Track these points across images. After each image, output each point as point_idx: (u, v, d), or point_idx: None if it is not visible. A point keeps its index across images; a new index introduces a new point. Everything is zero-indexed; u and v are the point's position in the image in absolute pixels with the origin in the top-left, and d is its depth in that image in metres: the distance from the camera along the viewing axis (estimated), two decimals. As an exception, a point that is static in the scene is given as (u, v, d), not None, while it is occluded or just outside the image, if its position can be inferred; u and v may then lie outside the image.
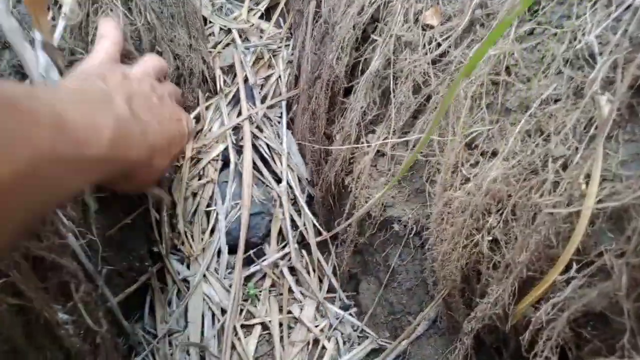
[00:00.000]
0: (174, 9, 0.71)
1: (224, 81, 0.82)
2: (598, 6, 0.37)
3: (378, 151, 0.60)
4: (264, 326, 0.70)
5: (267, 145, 0.78)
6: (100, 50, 0.51)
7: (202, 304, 0.68)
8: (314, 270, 0.74)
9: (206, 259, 0.70)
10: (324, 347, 0.68)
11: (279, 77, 0.84)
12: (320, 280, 0.74)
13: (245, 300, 0.71)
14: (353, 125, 0.61)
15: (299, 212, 0.76)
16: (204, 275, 0.70)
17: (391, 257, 0.62)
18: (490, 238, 0.43)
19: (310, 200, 0.77)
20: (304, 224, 0.75)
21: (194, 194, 0.74)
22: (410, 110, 0.55)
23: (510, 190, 0.40)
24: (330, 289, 0.74)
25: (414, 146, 0.55)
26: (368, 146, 0.60)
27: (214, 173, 0.75)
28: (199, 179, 0.75)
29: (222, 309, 0.68)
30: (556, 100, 0.39)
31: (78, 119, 0.34)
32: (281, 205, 0.75)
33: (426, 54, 0.52)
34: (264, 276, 0.74)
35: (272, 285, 0.74)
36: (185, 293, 0.69)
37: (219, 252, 0.72)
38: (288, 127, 0.81)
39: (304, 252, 0.75)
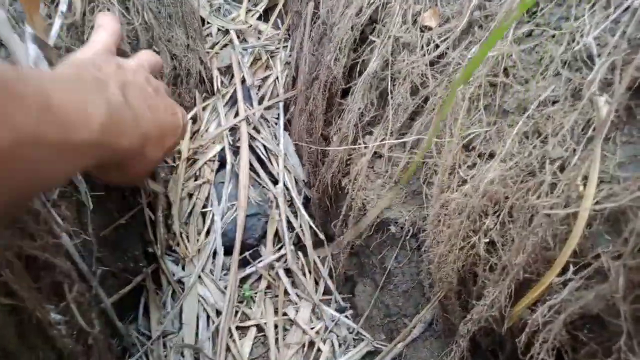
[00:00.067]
0: (171, 9, 0.71)
1: (221, 82, 0.82)
2: (597, 8, 0.37)
3: (375, 153, 0.59)
4: (259, 328, 0.70)
5: (264, 146, 0.78)
6: (96, 40, 0.50)
7: (197, 305, 0.68)
8: (309, 272, 0.74)
9: (201, 260, 0.70)
10: (319, 350, 0.68)
11: (277, 78, 0.84)
12: (316, 282, 0.74)
13: (241, 302, 0.71)
14: (350, 126, 0.60)
15: (295, 213, 0.76)
16: (199, 277, 0.69)
17: (387, 259, 0.62)
18: (487, 240, 0.42)
19: (306, 202, 0.77)
20: (301, 226, 0.75)
21: (190, 195, 0.74)
22: (407, 112, 0.55)
23: (508, 192, 0.40)
24: (326, 291, 0.73)
25: (411, 148, 0.55)
26: (365, 147, 0.59)
27: (210, 174, 0.75)
28: (195, 180, 0.75)
29: (217, 310, 0.68)
30: (554, 102, 0.39)
31: (67, 102, 0.33)
32: (277, 206, 0.75)
33: (424, 55, 0.52)
34: (260, 278, 0.73)
35: (268, 287, 0.73)
36: (180, 294, 0.68)
37: (215, 253, 0.71)
38: (285, 129, 0.81)
39: (300, 253, 0.75)
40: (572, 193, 0.33)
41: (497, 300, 0.39)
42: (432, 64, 0.52)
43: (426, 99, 0.53)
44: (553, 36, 0.40)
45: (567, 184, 0.34)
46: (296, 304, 0.72)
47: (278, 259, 0.74)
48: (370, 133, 0.61)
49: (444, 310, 0.53)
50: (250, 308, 0.71)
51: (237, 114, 0.79)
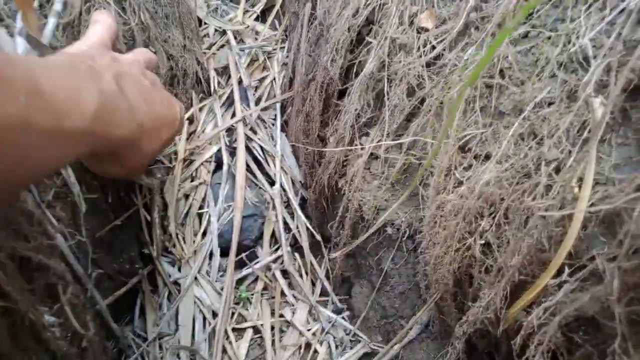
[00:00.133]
0: (168, 9, 0.71)
1: (218, 82, 0.82)
2: (592, 9, 0.37)
3: (372, 154, 0.59)
4: (256, 330, 0.69)
5: (261, 147, 0.78)
6: (91, 33, 0.50)
7: (193, 307, 0.68)
8: (306, 274, 0.73)
9: (198, 261, 0.70)
10: (316, 351, 0.68)
11: (274, 79, 0.84)
12: (313, 284, 0.74)
13: (237, 304, 0.71)
14: (347, 127, 0.60)
15: (292, 214, 0.76)
16: (196, 278, 0.69)
17: (384, 260, 0.62)
18: (483, 241, 0.42)
19: (303, 203, 0.77)
20: (297, 227, 0.75)
21: (186, 196, 0.73)
22: (404, 113, 0.55)
23: (503, 194, 0.40)
24: (323, 293, 0.73)
25: (407, 149, 0.55)
26: (362, 149, 0.59)
27: (206, 175, 0.75)
28: (192, 181, 0.74)
29: (213, 312, 0.68)
30: (550, 104, 0.39)
31: (58, 88, 0.33)
32: (274, 207, 0.75)
33: (421, 56, 0.52)
34: (256, 279, 0.73)
35: (264, 288, 0.73)
36: (176, 296, 0.68)
37: (211, 254, 0.71)
38: (282, 129, 0.81)
39: (296, 255, 0.75)
40: (567, 195, 0.33)
41: (493, 302, 0.39)
42: (428, 65, 0.52)
43: (422, 100, 0.53)
44: (549, 38, 0.40)
45: (563, 185, 0.34)
46: (293, 305, 0.71)
47: (275, 260, 0.73)
48: (367, 134, 0.61)
49: (440, 312, 0.53)
50: (247, 309, 0.71)
51: (234, 115, 0.79)
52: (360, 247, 0.65)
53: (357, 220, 0.62)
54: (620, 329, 0.29)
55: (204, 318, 0.68)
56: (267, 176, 0.78)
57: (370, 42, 0.58)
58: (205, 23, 0.88)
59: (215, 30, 0.87)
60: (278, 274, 0.73)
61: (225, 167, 0.75)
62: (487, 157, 0.44)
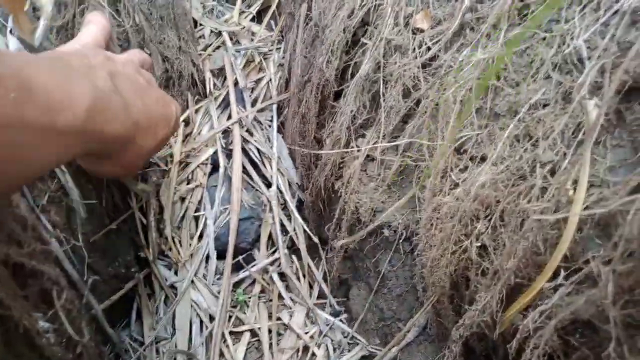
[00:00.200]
0: (163, 10, 0.71)
1: (214, 84, 0.82)
2: (587, 10, 0.37)
3: (368, 156, 0.59)
4: (253, 333, 0.69)
5: (257, 149, 0.77)
6: (85, 34, 0.49)
7: (190, 310, 0.67)
8: (304, 276, 0.73)
9: (194, 264, 0.69)
10: (314, 354, 0.67)
11: (270, 80, 0.83)
12: (311, 286, 0.74)
13: (234, 307, 0.70)
14: (343, 129, 0.60)
15: (289, 217, 0.75)
16: (192, 282, 0.69)
17: (381, 262, 0.61)
18: (479, 244, 0.42)
19: (300, 205, 0.77)
20: (294, 229, 0.74)
21: (182, 199, 0.73)
22: (400, 115, 0.55)
23: (499, 196, 0.40)
24: (321, 295, 0.73)
25: (404, 151, 0.55)
26: (358, 151, 0.59)
27: (202, 177, 0.75)
28: (188, 183, 0.74)
29: (210, 315, 0.67)
30: (545, 105, 0.39)
31: (50, 85, 0.32)
32: (271, 210, 0.75)
33: (416, 57, 0.52)
34: (254, 282, 0.73)
35: (262, 291, 0.73)
36: (173, 299, 0.68)
37: (208, 257, 0.71)
38: (279, 131, 0.80)
39: (294, 257, 0.75)
40: (562, 197, 0.33)
41: (489, 305, 0.39)
42: (424, 66, 0.52)
43: (418, 102, 0.53)
44: (544, 39, 0.40)
45: (558, 188, 0.33)
46: (290, 308, 0.71)
47: (272, 263, 0.73)
48: (363, 136, 0.60)
49: (437, 315, 0.53)
50: (244, 313, 0.70)
51: (229, 117, 0.78)
52: (357, 249, 0.65)
53: (354, 222, 0.62)
54: (616, 332, 0.29)
55: (201, 322, 0.67)
56: (264, 178, 0.77)
57: (366, 44, 0.58)
58: (200, 24, 0.88)
59: (211, 31, 0.87)
60: (275, 277, 0.72)
61: (221, 170, 0.75)
62: (483, 158, 0.44)
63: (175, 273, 0.70)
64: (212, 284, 0.69)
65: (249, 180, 0.76)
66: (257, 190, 0.76)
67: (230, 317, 0.69)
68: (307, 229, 0.74)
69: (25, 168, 0.33)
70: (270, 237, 0.74)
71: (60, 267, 0.50)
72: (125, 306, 0.67)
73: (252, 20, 0.92)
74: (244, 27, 0.88)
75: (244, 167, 0.76)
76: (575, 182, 0.33)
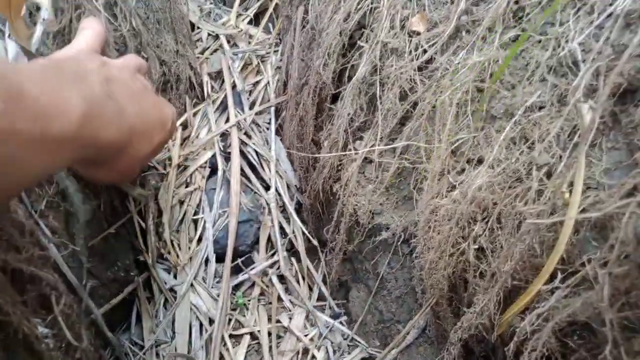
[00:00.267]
0: (160, 14, 0.71)
1: (212, 87, 0.82)
2: (581, 13, 0.37)
3: (366, 158, 0.59)
4: (253, 336, 0.69)
5: (256, 151, 0.77)
6: (80, 40, 0.49)
7: (190, 314, 0.68)
8: (303, 279, 0.73)
9: (193, 268, 0.69)
10: (313, 357, 0.67)
11: (268, 83, 0.83)
12: (310, 289, 0.74)
13: (234, 310, 0.70)
14: (340, 132, 0.60)
15: (287, 219, 0.76)
16: (192, 285, 0.69)
17: (380, 264, 0.62)
18: (476, 246, 0.42)
19: (299, 208, 0.77)
20: (293, 232, 0.74)
21: (181, 202, 0.73)
22: (397, 117, 0.55)
23: (496, 198, 0.40)
24: (320, 297, 0.73)
25: (401, 153, 0.55)
26: (355, 153, 0.59)
27: (201, 180, 0.75)
28: (186, 187, 0.74)
29: (210, 318, 0.67)
30: (540, 108, 0.39)
31: (42, 93, 0.32)
32: (270, 212, 0.75)
33: (412, 60, 0.52)
34: (253, 285, 0.73)
35: (261, 294, 0.73)
36: (173, 303, 0.68)
37: (207, 260, 0.71)
38: (277, 133, 0.80)
39: (293, 260, 0.75)
40: (558, 200, 0.33)
41: (487, 307, 0.39)
42: (420, 69, 0.52)
43: (415, 104, 0.53)
44: (539, 41, 0.40)
45: (553, 191, 0.33)
46: (290, 310, 0.71)
47: (271, 266, 0.73)
48: (361, 138, 0.60)
49: (436, 317, 0.53)
50: (244, 316, 0.70)
51: (227, 120, 0.79)
52: (356, 251, 0.65)
53: (353, 224, 0.62)
54: (612, 334, 0.29)
55: (201, 325, 0.67)
56: (262, 181, 0.77)
57: (362, 46, 0.58)
58: (198, 27, 0.88)
59: (209, 34, 0.87)
60: (275, 279, 0.72)
61: (219, 173, 0.75)
62: (480, 161, 0.44)
63: (175, 276, 0.70)
64: (212, 287, 0.70)
65: (248, 183, 0.77)
66: (255, 192, 0.76)
67: (229, 320, 0.69)
68: (306, 232, 0.74)
69: (17, 178, 0.33)
70: (269, 239, 0.75)
71: (59, 272, 0.50)
72: (125, 310, 0.67)
73: (250, 23, 0.92)
74: (242, 30, 0.89)
75: (242, 170, 0.76)
76: (571, 184, 0.33)
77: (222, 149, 0.77)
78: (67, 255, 0.52)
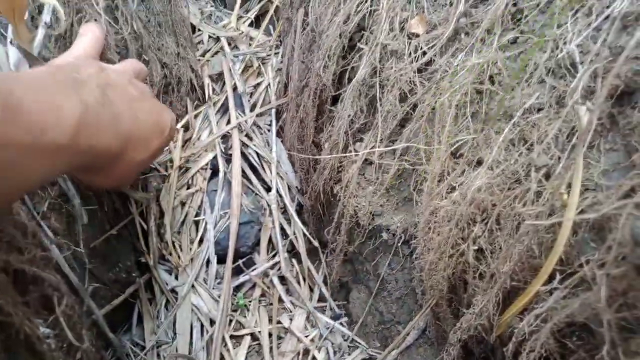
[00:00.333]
0: (161, 17, 0.71)
1: (213, 89, 0.82)
2: (579, 15, 0.37)
3: (366, 160, 0.59)
4: (254, 337, 0.69)
5: (257, 153, 0.78)
6: (78, 45, 0.50)
7: (191, 314, 0.68)
8: (304, 280, 0.73)
9: (195, 269, 0.70)
10: (314, 358, 0.68)
11: (269, 84, 0.84)
12: (311, 290, 0.74)
13: (235, 311, 0.71)
14: (341, 133, 0.60)
15: (288, 220, 0.76)
16: (193, 286, 0.69)
17: (381, 265, 0.62)
18: (476, 247, 0.42)
19: (300, 209, 0.77)
20: (294, 233, 0.75)
21: (183, 204, 0.73)
22: (397, 119, 0.55)
23: (495, 200, 0.40)
24: (321, 298, 0.73)
25: (401, 155, 0.55)
26: (356, 155, 0.59)
27: (202, 182, 0.75)
28: (188, 188, 0.74)
29: (211, 319, 0.68)
30: (539, 109, 0.39)
31: (36, 102, 0.32)
32: (271, 214, 0.75)
33: (412, 62, 0.52)
34: (254, 286, 0.73)
35: (262, 295, 0.73)
36: (174, 304, 0.68)
37: (208, 262, 0.71)
38: (278, 135, 0.81)
39: (294, 261, 0.75)
40: (556, 202, 0.33)
41: (486, 308, 0.39)
42: (419, 71, 0.52)
43: (415, 106, 0.53)
44: (537, 43, 0.40)
45: (552, 192, 0.34)
46: (291, 311, 0.71)
47: (272, 267, 0.73)
48: (361, 140, 0.61)
49: (436, 318, 0.53)
50: (245, 317, 0.71)
51: (229, 122, 0.79)
52: (357, 252, 0.65)
53: (353, 225, 0.62)
54: (610, 335, 0.29)
55: (202, 326, 0.68)
56: (263, 182, 0.78)
57: (362, 48, 0.58)
58: (199, 30, 0.88)
59: (209, 37, 0.87)
60: (275, 281, 0.73)
61: (221, 174, 0.75)
62: (479, 162, 0.44)
63: (176, 277, 0.70)
64: (213, 288, 0.70)
65: (249, 185, 0.77)
66: (256, 194, 0.77)
67: (230, 321, 0.70)
68: (307, 233, 0.74)
69: (19, 181, 0.33)
70: (270, 241, 0.75)
71: (61, 273, 0.50)
72: (126, 311, 0.68)
73: (250, 25, 0.92)
74: (242, 33, 0.89)
75: (243, 172, 0.76)
76: (569, 186, 0.33)
77: (223, 150, 0.77)
78: (69, 256, 0.52)
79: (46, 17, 0.50)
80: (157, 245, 0.69)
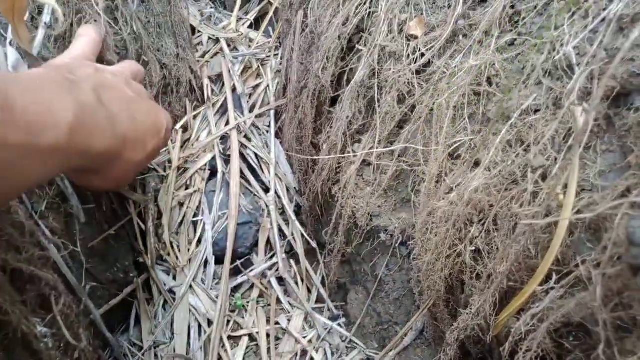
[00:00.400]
0: (161, 18, 0.71)
1: (212, 90, 0.82)
2: (576, 18, 0.37)
3: (364, 161, 0.60)
4: (252, 337, 0.69)
5: (255, 154, 0.78)
6: (75, 47, 0.50)
7: (189, 315, 0.68)
8: (302, 281, 0.73)
9: (193, 269, 0.70)
10: (312, 359, 0.68)
11: (268, 86, 0.84)
12: (309, 291, 0.74)
13: (233, 311, 0.71)
14: (339, 134, 0.61)
15: (287, 221, 0.76)
16: (191, 286, 0.69)
17: (379, 267, 0.62)
18: (473, 248, 0.43)
19: (298, 210, 0.77)
20: (292, 234, 0.75)
21: (181, 204, 0.74)
22: (395, 120, 0.55)
23: (492, 200, 0.40)
24: (319, 299, 0.73)
25: (399, 156, 0.55)
26: (354, 156, 0.59)
27: (201, 183, 0.75)
28: (186, 189, 0.74)
29: (208, 320, 0.68)
30: (536, 111, 0.39)
31: (31, 103, 0.32)
32: (269, 214, 0.75)
33: (410, 64, 0.53)
34: (252, 287, 0.73)
35: (260, 295, 0.73)
36: (172, 304, 0.68)
37: (206, 262, 0.71)
38: (277, 137, 0.81)
39: (292, 262, 0.75)
40: (552, 202, 0.33)
41: (483, 308, 0.39)
42: (418, 72, 0.52)
43: (413, 108, 0.53)
44: (535, 45, 0.40)
45: (548, 192, 0.34)
46: (288, 312, 0.71)
47: (270, 268, 0.73)
48: (359, 141, 0.61)
49: (433, 319, 0.53)
50: (242, 317, 0.71)
51: (227, 123, 0.79)
52: (355, 253, 0.66)
53: (351, 226, 0.62)
54: (605, 334, 0.29)
55: (200, 326, 0.68)
56: (262, 183, 0.78)
57: (361, 50, 0.58)
58: (198, 31, 0.89)
59: (209, 38, 0.88)
60: (273, 281, 0.73)
61: (219, 175, 0.75)
62: (477, 163, 0.44)
63: (174, 278, 0.70)
64: (211, 289, 0.70)
65: (247, 186, 0.77)
66: (255, 195, 0.77)
67: (228, 321, 0.70)
68: (305, 234, 0.74)
69: (18, 181, 0.33)
70: (268, 241, 0.75)
71: (59, 272, 0.50)
72: (124, 311, 0.68)
73: (250, 27, 0.93)
74: (242, 34, 0.89)
75: (242, 173, 0.76)
76: (566, 186, 0.33)
77: (222, 151, 0.77)
78: (66, 256, 0.52)
79: (46, 17, 0.50)
80: (155, 246, 0.69)
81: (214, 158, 0.76)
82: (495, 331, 0.40)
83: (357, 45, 0.60)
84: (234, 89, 0.82)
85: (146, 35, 0.67)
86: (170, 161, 0.74)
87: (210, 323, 0.67)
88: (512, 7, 0.44)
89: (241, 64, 0.85)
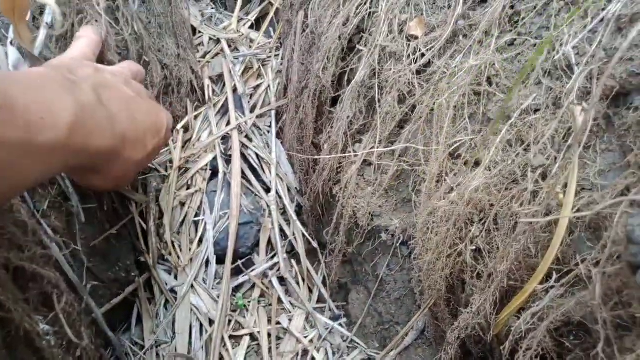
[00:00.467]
0: (162, 19, 0.72)
1: (213, 91, 0.82)
2: (575, 18, 0.38)
3: (365, 160, 0.60)
4: (253, 337, 0.70)
5: (256, 154, 0.78)
6: (74, 47, 0.50)
7: (190, 314, 0.68)
8: (303, 280, 0.74)
9: (194, 269, 0.70)
10: (313, 358, 0.68)
11: (269, 86, 0.84)
12: (310, 290, 0.74)
13: (234, 311, 0.71)
14: (340, 134, 0.61)
15: (288, 221, 0.76)
16: (192, 286, 0.69)
17: (380, 266, 0.62)
18: (474, 247, 0.43)
19: (299, 210, 0.77)
20: (294, 234, 0.75)
21: (182, 204, 0.74)
22: (395, 120, 0.55)
23: (492, 200, 0.40)
24: (320, 299, 0.73)
25: (400, 155, 0.56)
26: (355, 156, 0.60)
27: (202, 183, 0.75)
28: (187, 189, 0.75)
29: (210, 319, 0.68)
30: (536, 110, 0.39)
31: (30, 102, 0.32)
32: (270, 214, 0.75)
33: (410, 64, 0.53)
34: (253, 286, 0.73)
35: (261, 295, 0.73)
36: (173, 304, 0.68)
37: (207, 262, 0.71)
38: (278, 137, 0.81)
39: (293, 262, 0.75)
40: (552, 201, 0.33)
41: (483, 307, 0.39)
42: (418, 72, 0.52)
43: (413, 107, 0.53)
44: (534, 45, 0.40)
45: (548, 192, 0.34)
46: (290, 312, 0.72)
47: (271, 268, 0.74)
48: (360, 141, 0.61)
49: (434, 318, 0.54)
50: (244, 317, 0.71)
51: (229, 123, 0.79)
52: (356, 253, 0.66)
53: (352, 226, 0.62)
54: (605, 333, 0.29)
55: (201, 326, 0.68)
56: (263, 183, 0.78)
57: (361, 50, 0.58)
58: (199, 32, 0.89)
59: (210, 38, 0.88)
60: (275, 281, 0.73)
61: (220, 175, 0.75)
62: (477, 163, 0.44)
63: (175, 277, 0.71)
64: (212, 289, 0.70)
65: (248, 186, 0.77)
66: (256, 195, 0.77)
67: (229, 321, 0.70)
68: (306, 234, 0.74)
69: (17, 180, 0.33)
70: (269, 241, 0.75)
71: (61, 271, 0.50)
72: (126, 310, 0.68)
73: (251, 27, 0.93)
74: (243, 35, 0.90)
75: (243, 173, 0.76)
76: (565, 185, 0.33)
77: (223, 151, 0.77)
78: (68, 254, 0.52)
79: (47, 17, 0.50)
80: (157, 245, 0.69)
81: (215, 158, 0.77)
82: (495, 330, 0.40)
83: (357, 46, 0.60)
84: (234, 90, 0.82)
85: (147, 36, 0.67)
86: (171, 161, 0.74)
87: (211, 322, 0.68)
88: (512, 7, 0.44)
89: (242, 65, 0.85)
